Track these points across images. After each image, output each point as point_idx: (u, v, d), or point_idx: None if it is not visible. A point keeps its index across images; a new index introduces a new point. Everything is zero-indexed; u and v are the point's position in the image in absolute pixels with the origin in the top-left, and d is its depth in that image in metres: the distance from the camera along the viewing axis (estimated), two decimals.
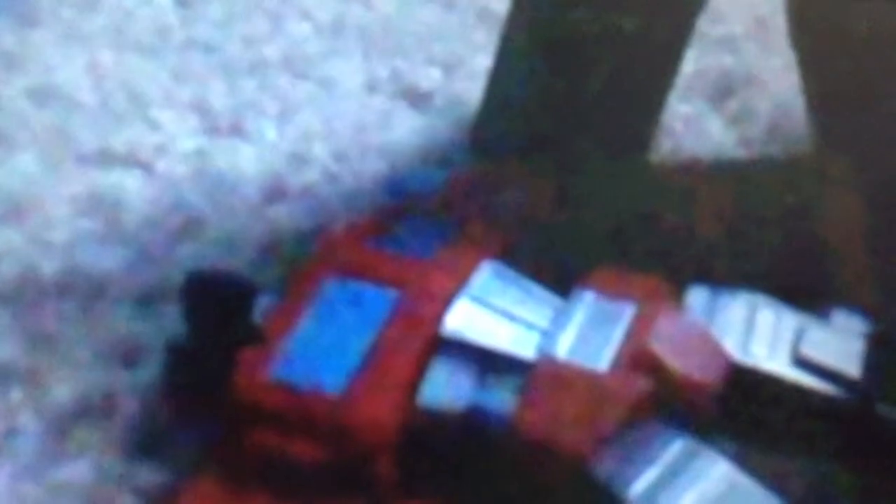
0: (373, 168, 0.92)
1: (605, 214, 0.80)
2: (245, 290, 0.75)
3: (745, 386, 0.67)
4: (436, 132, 0.95)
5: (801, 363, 0.67)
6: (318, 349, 0.70)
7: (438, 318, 0.69)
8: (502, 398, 0.67)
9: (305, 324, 0.71)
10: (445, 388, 0.68)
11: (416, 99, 0.98)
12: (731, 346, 0.68)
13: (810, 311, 0.71)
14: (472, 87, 0.97)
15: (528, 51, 0.86)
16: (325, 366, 0.69)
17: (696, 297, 0.71)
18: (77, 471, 0.74)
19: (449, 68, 1.00)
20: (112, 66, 0.99)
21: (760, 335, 0.69)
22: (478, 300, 0.71)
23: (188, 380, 0.74)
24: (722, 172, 0.89)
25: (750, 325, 0.69)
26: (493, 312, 0.70)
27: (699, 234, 0.79)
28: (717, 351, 0.67)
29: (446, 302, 0.70)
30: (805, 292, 0.72)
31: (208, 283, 0.77)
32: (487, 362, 0.68)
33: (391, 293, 0.71)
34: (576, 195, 0.82)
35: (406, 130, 0.95)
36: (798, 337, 0.68)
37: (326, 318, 0.71)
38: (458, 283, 0.71)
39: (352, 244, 0.75)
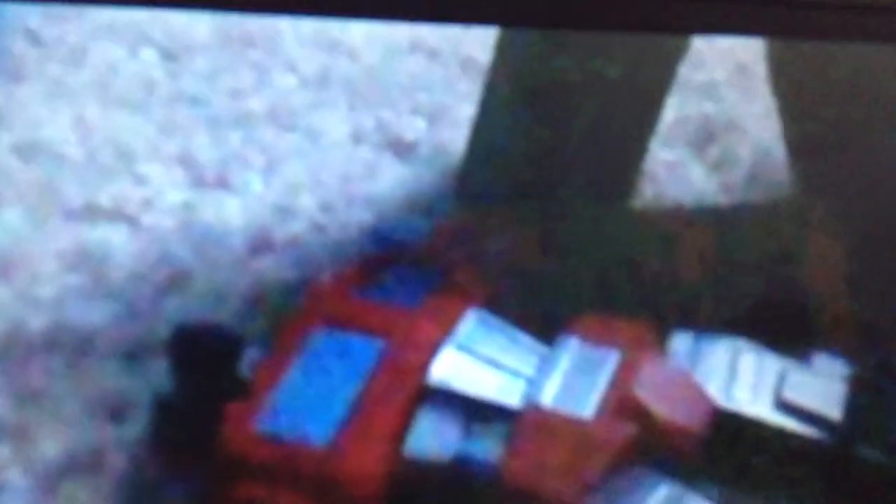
0: (359, 218, 0.94)
1: (589, 261, 0.82)
2: (231, 343, 0.76)
3: (729, 430, 0.69)
4: (421, 181, 0.96)
5: (784, 407, 0.69)
6: (305, 400, 0.71)
7: (424, 367, 0.71)
8: (489, 447, 0.68)
9: (292, 375, 0.72)
10: (432, 437, 0.69)
11: (402, 149, 1.00)
12: (715, 391, 0.70)
13: (792, 355, 0.72)
14: (456, 137, 0.98)
15: (512, 99, 0.88)
16: (311, 417, 0.70)
17: (680, 342, 0.72)
18: None
19: (433, 118, 1.02)
20: (98, 120, 1.01)
21: (743, 380, 0.70)
22: (463, 349, 0.72)
23: (175, 434, 0.75)
24: (704, 218, 0.90)
25: (733, 370, 0.71)
26: (479, 361, 0.71)
27: (682, 280, 0.81)
28: (700, 396, 0.69)
29: (432, 351, 0.71)
30: (787, 336, 0.73)
31: (195, 337, 0.78)
32: (473, 410, 0.70)
33: (377, 343, 0.72)
34: (560, 242, 0.83)
35: (391, 180, 0.97)
36: (780, 381, 0.70)
37: (313, 368, 0.72)
38: (444, 331, 0.72)
39: (338, 294, 0.76)
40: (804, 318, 0.76)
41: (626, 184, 0.89)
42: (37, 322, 0.86)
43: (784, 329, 0.75)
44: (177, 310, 0.87)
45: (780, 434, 0.69)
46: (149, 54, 1.07)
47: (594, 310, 0.75)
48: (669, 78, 0.85)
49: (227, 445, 0.70)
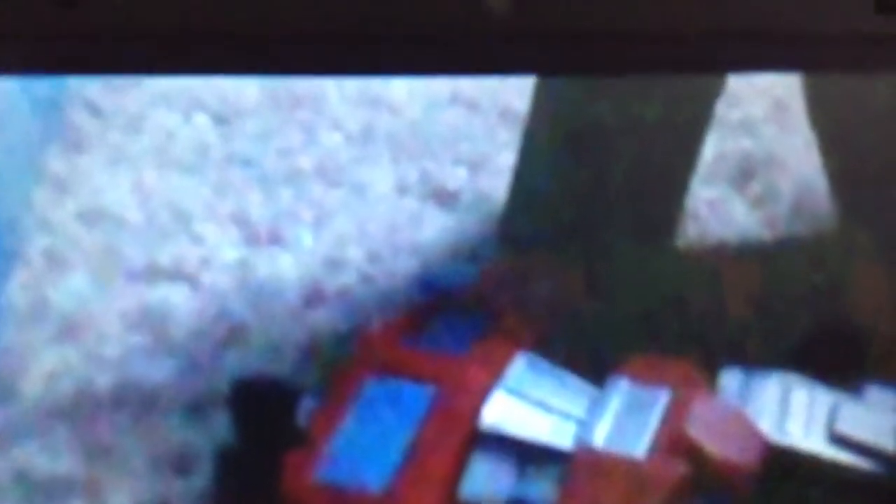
0: (406, 267, 0.92)
1: (636, 301, 0.79)
2: (289, 394, 0.75)
3: (783, 466, 0.66)
4: (465, 229, 0.95)
5: (837, 440, 0.65)
6: (361, 448, 0.69)
7: (476, 412, 0.69)
8: (542, 489, 0.66)
9: (347, 424, 0.70)
10: (486, 481, 0.67)
11: (445, 198, 0.98)
12: (767, 427, 0.67)
13: (843, 387, 0.69)
14: (497, 184, 0.97)
15: (551, 144, 0.86)
16: (367, 464, 0.68)
17: (730, 379, 0.69)
18: None
19: (475, 167, 1.00)
20: (156, 185, 1.01)
21: (795, 414, 0.67)
22: (514, 392, 0.70)
23: (238, 485, 0.73)
24: (748, 254, 0.87)
25: (784, 405, 0.68)
26: (530, 404, 0.69)
27: (729, 317, 0.78)
28: (752, 432, 0.66)
29: (483, 396, 0.69)
30: (837, 369, 0.70)
31: (254, 389, 0.77)
32: (526, 454, 0.67)
33: (429, 389, 0.70)
34: (605, 283, 0.81)
35: (436, 229, 0.95)
36: (833, 414, 0.67)
37: (367, 416, 0.70)
38: (494, 376, 0.70)
39: (389, 343, 0.74)
40: (854, 350, 0.73)
41: (668, 223, 0.87)
42: (103, 380, 0.85)
43: (834, 362, 0.71)
44: (235, 363, 0.86)
45: (835, 468, 0.65)
46: (202, 119, 1.07)
47: (642, 350, 0.72)
48: (707, 116, 0.83)
49: (287, 494, 0.68)
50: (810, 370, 0.70)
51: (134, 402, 0.84)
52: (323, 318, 0.89)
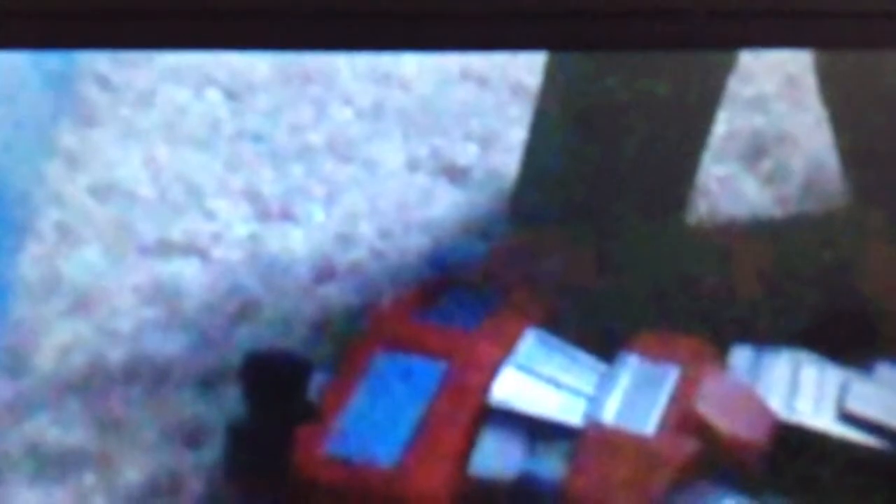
0: (417, 243, 0.92)
1: (646, 278, 0.79)
2: (300, 369, 0.75)
3: (792, 443, 0.65)
4: (476, 205, 0.94)
5: (847, 418, 0.65)
6: (372, 423, 0.69)
7: (486, 387, 0.68)
8: (552, 465, 0.66)
9: (358, 398, 0.70)
10: (496, 456, 0.67)
11: (456, 175, 0.98)
12: (777, 404, 0.67)
13: (854, 365, 0.68)
14: (508, 161, 0.97)
15: (562, 121, 0.85)
16: (378, 439, 0.68)
17: (740, 356, 0.69)
18: None
19: (486, 143, 1.00)
20: (168, 159, 1.00)
21: (805, 392, 0.67)
22: (524, 368, 0.69)
23: (249, 458, 0.73)
24: (759, 231, 0.87)
25: (794, 383, 0.67)
26: (540, 380, 0.69)
27: (739, 294, 0.78)
28: (762, 410, 0.66)
29: (493, 371, 0.69)
30: (848, 347, 0.70)
31: (265, 364, 0.77)
32: (536, 430, 0.67)
33: (440, 364, 0.70)
34: (615, 260, 0.80)
35: (447, 205, 0.95)
36: (843, 392, 0.66)
37: (378, 391, 0.70)
38: (504, 352, 0.70)
39: (399, 319, 0.74)
40: (865, 328, 0.72)
41: (679, 199, 0.86)
42: (116, 354, 0.85)
43: (845, 339, 0.71)
44: (247, 338, 0.85)
45: (844, 445, 0.65)
46: (213, 94, 1.06)
47: (652, 326, 0.72)
48: (718, 93, 0.82)
49: (298, 468, 0.68)
50: (821, 348, 0.70)
51: (146, 375, 0.84)
52: (334, 294, 0.89)
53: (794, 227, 0.86)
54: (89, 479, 0.78)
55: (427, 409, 0.68)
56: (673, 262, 0.80)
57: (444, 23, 0.63)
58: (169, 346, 0.86)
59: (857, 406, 0.65)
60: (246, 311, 0.88)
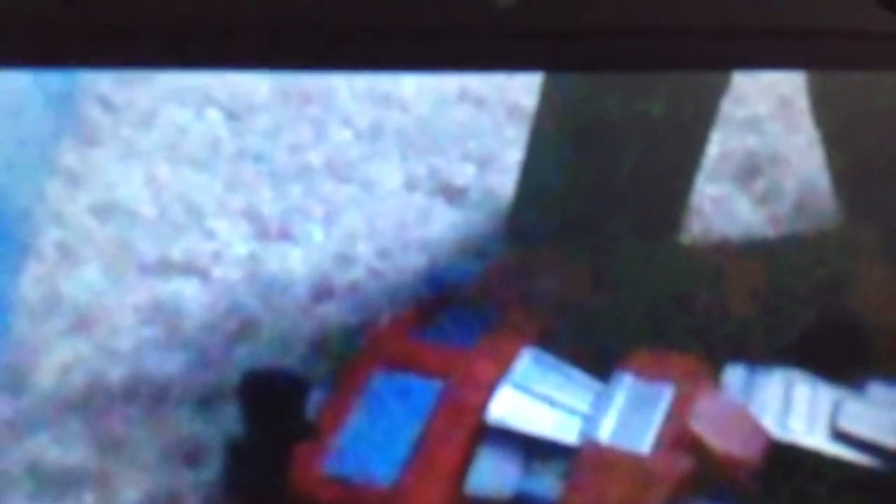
0: (414, 263, 0.92)
1: (640, 297, 0.79)
2: (298, 387, 0.75)
3: (786, 461, 0.66)
4: (472, 225, 0.95)
5: (840, 437, 0.65)
6: (369, 442, 0.69)
7: (483, 406, 0.69)
8: (548, 483, 0.66)
9: (355, 417, 0.71)
10: (492, 475, 0.67)
11: (453, 195, 0.98)
12: (770, 423, 0.67)
13: (846, 384, 0.69)
14: (505, 181, 0.97)
15: (558, 139, 0.86)
16: (375, 458, 0.68)
17: (734, 375, 0.70)
18: None
19: (483, 164, 1.00)
20: (168, 179, 1.01)
21: (798, 411, 0.67)
22: (520, 387, 0.70)
23: (247, 477, 0.74)
24: (752, 251, 0.87)
25: (787, 401, 0.68)
26: (536, 399, 0.69)
27: (733, 313, 0.78)
28: (755, 428, 0.66)
29: (490, 390, 0.69)
30: (841, 366, 0.70)
31: (263, 382, 0.77)
32: (532, 448, 0.68)
33: (436, 383, 0.70)
34: (611, 279, 0.81)
35: (444, 225, 0.96)
36: (835, 411, 0.67)
37: (375, 410, 0.71)
38: (501, 371, 0.70)
39: (397, 337, 0.75)
40: (857, 347, 0.72)
41: (673, 218, 0.87)
42: (115, 373, 0.85)
43: (838, 358, 0.71)
44: (246, 357, 0.86)
45: (837, 464, 0.66)
46: (213, 115, 1.07)
47: (647, 345, 0.72)
48: (712, 113, 0.83)
49: (296, 486, 0.68)
50: (814, 367, 0.70)
51: (145, 394, 0.84)
52: (332, 313, 0.90)
53: (786, 246, 0.86)
54: (88, 498, 0.78)
55: (424, 428, 0.69)
56: (667, 282, 0.80)
57: (440, 43, 0.64)
58: (168, 364, 0.86)
59: (849, 424, 0.66)
60: (245, 329, 0.89)
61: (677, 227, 0.88)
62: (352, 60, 0.65)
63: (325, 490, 0.68)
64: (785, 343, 0.74)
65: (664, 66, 0.61)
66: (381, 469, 0.68)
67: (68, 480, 0.79)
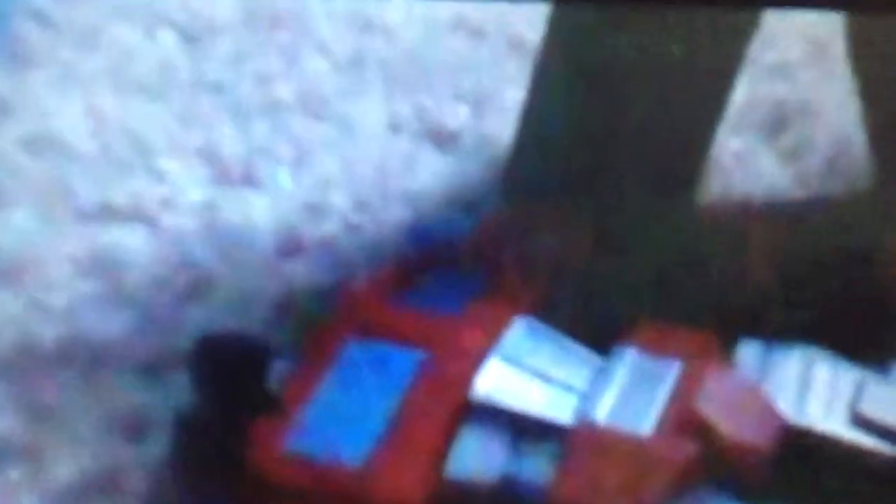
0: (396, 216, 0.94)
1: (649, 261, 0.82)
2: (259, 354, 0.77)
3: (801, 448, 0.69)
4: (464, 175, 0.96)
5: (861, 422, 0.69)
6: (338, 417, 0.72)
7: (468, 380, 0.72)
8: (537, 467, 0.69)
9: (324, 389, 0.73)
10: (476, 457, 0.70)
11: (443, 139, 1.00)
12: (785, 406, 0.71)
13: (870, 364, 0.72)
14: (502, 125, 0.98)
15: (564, 82, 0.88)
16: (345, 435, 0.71)
17: (748, 352, 0.73)
18: None
19: (478, 104, 1.02)
20: (113, 110, 1.02)
21: (816, 393, 0.71)
22: (510, 360, 0.73)
23: (198, 454, 0.76)
24: (776, 213, 0.90)
25: (805, 383, 0.71)
26: (527, 373, 0.72)
27: (751, 282, 0.81)
28: (768, 411, 0.70)
29: (476, 363, 0.72)
30: (865, 344, 0.74)
31: (219, 348, 0.80)
32: (521, 428, 0.71)
33: (417, 354, 0.73)
34: (616, 240, 0.84)
35: (432, 174, 0.98)
36: (857, 394, 0.70)
37: (347, 382, 0.73)
38: (489, 341, 0.73)
39: (374, 301, 0.77)
40: (885, 324, 0.77)
41: (690, 175, 0.90)
42: (48, 332, 0.88)
43: (862, 336, 0.75)
44: (199, 319, 0.88)
45: (856, 452, 0.69)
46: (167, 37, 1.08)
47: (654, 316, 0.76)
48: (738, 59, 0.86)
49: (253, 465, 0.71)
50: (835, 344, 0.74)
51: (82, 358, 0.86)
52: (300, 271, 0.92)
53: (814, 210, 0.89)
54: (15, 473, 0.81)
55: (401, 404, 0.71)
56: (679, 245, 0.84)
57: None
58: (108, 325, 0.87)
59: (871, 409, 0.70)
60: (198, 287, 0.90)
61: (694, 185, 0.90)
62: None
63: (285, 469, 0.70)
64: (806, 318, 0.78)
65: (687, 2, 0.64)
66: (351, 448, 0.70)
67: None
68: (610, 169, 0.87)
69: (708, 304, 0.79)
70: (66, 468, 0.81)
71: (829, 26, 0.96)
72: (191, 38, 1.07)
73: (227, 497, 0.73)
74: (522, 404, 0.71)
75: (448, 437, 0.70)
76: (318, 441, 0.71)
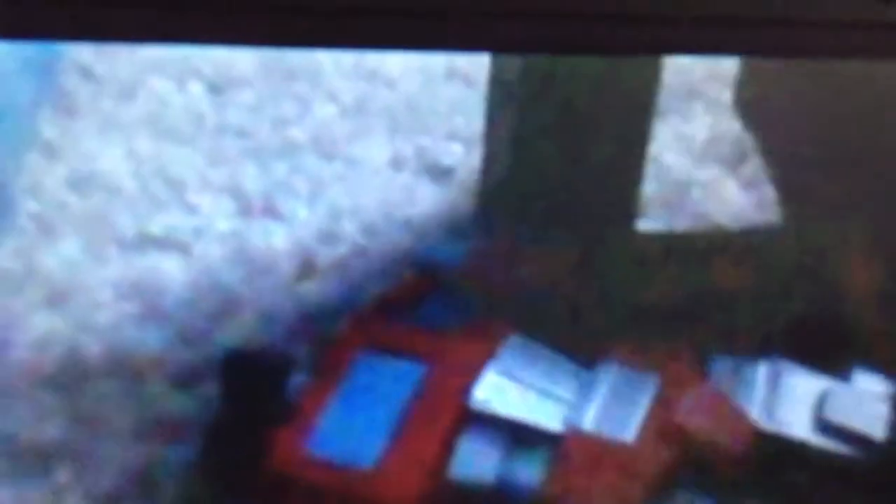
0: (399, 242, 0.92)
1: (627, 284, 0.79)
2: (281, 368, 0.75)
3: (771, 452, 0.66)
4: (458, 205, 0.95)
5: (825, 427, 0.66)
6: (350, 424, 0.69)
7: (466, 391, 0.69)
8: (530, 470, 0.66)
9: (337, 399, 0.71)
10: (474, 460, 0.67)
11: (439, 174, 0.98)
12: (756, 413, 0.67)
13: (832, 373, 0.69)
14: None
15: (512, 117, 0.85)
16: (356, 440, 0.68)
17: (720, 364, 0.70)
18: None
19: (470, 143, 1.00)
20: (149, 152, 1.00)
21: (784, 400, 0.68)
22: (505, 373, 0.70)
23: (225, 457, 0.73)
24: (740, 236, 0.87)
25: (773, 391, 0.68)
26: (521, 385, 0.70)
27: (720, 301, 0.78)
28: (741, 418, 0.67)
29: (474, 375, 0.69)
30: (827, 355, 0.71)
31: (245, 362, 0.77)
32: (515, 434, 0.68)
33: (420, 367, 0.70)
34: (596, 265, 0.81)
35: (430, 204, 0.95)
36: (821, 400, 0.67)
37: (357, 392, 0.71)
38: (486, 355, 0.70)
39: (380, 319, 0.75)
40: (844, 336, 0.73)
41: (622, 210, 0.85)
42: (93, 349, 0.85)
43: (824, 347, 0.72)
44: (227, 335, 0.86)
45: (822, 454, 0.66)
46: (196, 87, 1.06)
47: (633, 333, 0.72)
48: (646, 108, 0.81)
49: (276, 468, 0.68)
50: (800, 356, 0.71)
51: (123, 371, 0.84)
52: (315, 292, 0.90)
53: (773, 232, 0.87)
54: (62, 476, 0.78)
55: (406, 412, 0.69)
56: (653, 268, 0.81)
57: (428, 22, 0.64)
58: (147, 341, 0.86)
59: (835, 414, 0.67)
60: (226, 308, 0.88)
61: (627, 219, 0.87)
62: (338, 38, 0.65)
63: (305, 472, 0.68)
64: (771, 332, 0.75)
65: (657, 51, 0.61)
66: (362, 452, 0.68)
67: (43, 457, 0.79)
68: (579, 202, 0.83)
69: (682, 322, 0.76)
70: (108, 471, 0.78)
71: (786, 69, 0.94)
72: (217, 88, 1.06)
73: (250, 497, 0.70)
74: (516, 412, 0.68)
75: (449, 442, 0.68)
76: (333, 446, 0.69)
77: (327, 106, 1.05)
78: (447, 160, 0.99)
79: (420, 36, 0.65)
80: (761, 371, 0.70)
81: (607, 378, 0.70)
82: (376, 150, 1.01)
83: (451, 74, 1.05)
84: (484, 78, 1.04)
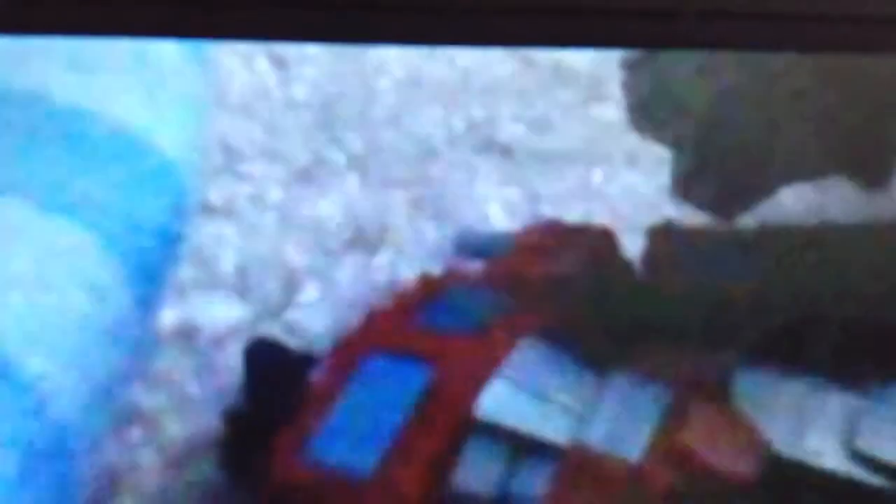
0: (450, 220, 0.80)
1: (647, 291, 0.63)
2: (302, 362, 0.64)
3: (793, 482, 0.51)
4: (519, 184, 0.81)
5: (857, 456, 0.50)
6: (353, 427, 0.58)
7: (473, 398, 0.56)
8: (532, 483, 0.54)
9: (342, 400, 0.59)
10: (476, 471, 0.55)
11: (499, 151, 0.85)
12: (778, 437, 0.52)
13: (866, 396, 0.53)
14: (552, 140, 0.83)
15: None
16: (357, 445, 0.57)
17: (742, 382, 0.54)
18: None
19: (532, 123, 0.86)
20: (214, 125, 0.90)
21: (812, 424, 0.52)
22: (513, 381, 0.57)
23: (246, 444, 0.64)
24: (790, 241, 0.70)
25: (801, 413, 0.52)
26: (528, 394, 0.56)
27: (750, 312, 0.62)
28: (758, 443, 0.52)
29: (481, 381, 0.57)
30: (861, 375, 0.54)
31: (265, 354, 0.67)
32: (519, 445, 0.55)
33: (427, 370, 0.58)
34: (629, 265, 0.65)
35: (489, 184, 0.82)
36: (853, 426, 0.51)
37: (362, 394, 0.59)
38: (495, 361, 0.57)
39: (394, 318, 0.62)
40: (880, 354, 0.56)
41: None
42: (164, 315, 0.76)
43: (858, 367, 0.55)
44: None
45: (851, 485, 0.50)
46: (261, 64, 0.95)
47: (650, 344, 0.58)
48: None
49: (276, 472, 0.58)
50: (831, 375, 0.54)
51: (192, 335, 0.76)
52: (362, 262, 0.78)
53: (816, 237, 0.69)
54: (136, 433, 0.72)
55: (409, 417, 0.57)
56: (675, 273, 0.65)
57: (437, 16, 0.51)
58: (211, 307, 0.77)
59: (867, 442, 0.51)
60: (293, 280, 0.78)
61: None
62: (337, 35, 0.53)
63: (303, 475, 0.57)
64: (803, 346, 0.58)
65: (657, 44, 0.47)
66: (362, 457, 0.57)
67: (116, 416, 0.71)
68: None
69: (704, 334, 0.60)
70: (178, 429, 0.71)
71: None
72: (280, 63, 0.95)
73: (255, 494, 0.60)
74: (522, 423, 0.55)
75: (451, 450, 0.56)
76: (333, 450, 0.58)
77: (382, 79, 0.92)
78: (504, 137, 0.85)
79: (421, 31, 0.52)
80: (787, 390, 0.54)
81: (619, 391, 0.55)
82: (432, 124, 0.88)
83: (509, 53, 0.90)
84: (541, 57, 0.89)
